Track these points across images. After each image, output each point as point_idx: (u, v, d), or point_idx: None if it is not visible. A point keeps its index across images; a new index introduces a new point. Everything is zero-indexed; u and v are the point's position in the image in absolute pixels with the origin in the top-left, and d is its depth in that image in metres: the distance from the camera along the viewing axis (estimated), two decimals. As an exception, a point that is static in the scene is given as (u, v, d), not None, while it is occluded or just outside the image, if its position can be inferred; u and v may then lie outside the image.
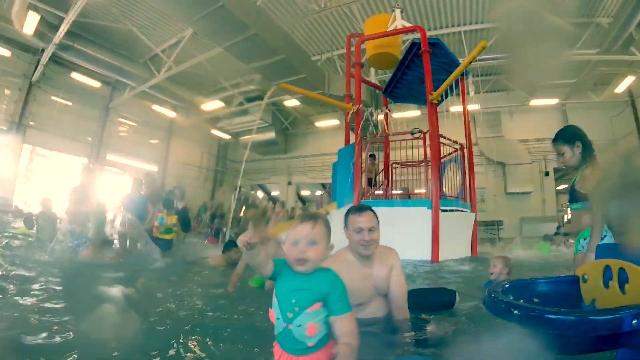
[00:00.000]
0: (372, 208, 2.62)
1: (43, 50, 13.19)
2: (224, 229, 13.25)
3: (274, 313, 1.63)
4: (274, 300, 1.65)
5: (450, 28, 12.51)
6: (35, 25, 11.26)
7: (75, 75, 15.32)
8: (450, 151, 8.35)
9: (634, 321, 1.22)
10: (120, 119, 18.19)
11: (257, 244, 1.65)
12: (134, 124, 18.93)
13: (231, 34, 9.84)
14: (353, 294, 2.32)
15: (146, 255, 6.30)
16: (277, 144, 20.93)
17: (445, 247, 6.89)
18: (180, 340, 2.26)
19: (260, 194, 22.62)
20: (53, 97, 15.42)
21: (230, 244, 5.76)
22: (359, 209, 2.60)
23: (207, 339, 2.34)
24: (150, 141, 19.74)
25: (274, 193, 22.01)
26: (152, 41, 13.39)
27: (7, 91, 14.23)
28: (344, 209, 7.68)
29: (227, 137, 21.56)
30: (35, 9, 10.81)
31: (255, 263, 1.70)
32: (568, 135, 2.94)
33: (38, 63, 13.89)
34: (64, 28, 11.49)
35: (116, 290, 3.17)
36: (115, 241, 6.87)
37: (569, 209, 3.07)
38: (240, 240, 1.64)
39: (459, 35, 12.54)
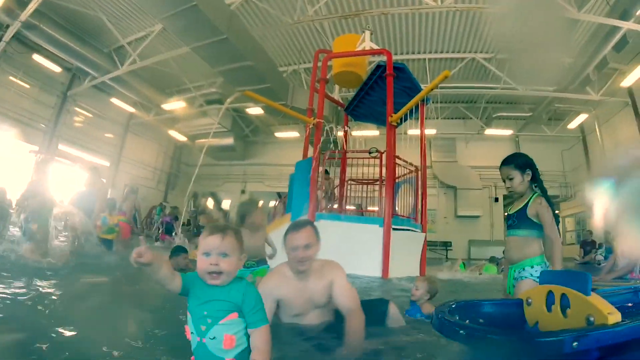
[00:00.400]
0: (313, 223, 2.69)
1: (8, 27, 12.44)
2: (175, 228, 13.00)
3: (189, 329, 1.58)
4: (188, 315, 1.59)
5: (416, 54, 12.95)
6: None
7: (36, 57, 14.50)
8: (405, 172, 8.57)
9: (575, 343, 1.30)
10: (77, 109, 17.30)
11: (153, 261, 1.52)
12: (91, 115, 18.02)
13: (201, 35, 9.77)
14: (290, 305, 2.63)
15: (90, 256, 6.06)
16: (235, 150, 20.71)
17: (395, 264, 7.01)
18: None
19: (210, 202, 22.18)
20: (11, 78, 14.48)
21: (178, 249, 5.53)
22: (296, 226, 2.61)
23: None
24: (106, 135, 18.94)
25: (226, 201, 21.61)
26: (119, 32, 13.12)
27: None
28: None
29: (184, 139, 21.08)
30: None
31: (158, 279, 1.60)
32: (521, 162, 2.97)
33: (0, 39, 13.11)
34: (32, 6, 11.04)
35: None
36: (60, 240, 6.55)
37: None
38: (132, 257, 1.50)
39: (423, 62, 13.00)
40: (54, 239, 6.36)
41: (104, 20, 12.53)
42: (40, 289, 3.36)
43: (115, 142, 19.51)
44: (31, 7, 11.13)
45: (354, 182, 10.03)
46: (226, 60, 10.87)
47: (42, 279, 3.73)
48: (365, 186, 9.87)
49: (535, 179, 2.94)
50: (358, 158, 9.66)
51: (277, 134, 20.02)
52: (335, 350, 2.28)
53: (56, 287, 3.51)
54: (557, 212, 9.90)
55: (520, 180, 2.92)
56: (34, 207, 5.53)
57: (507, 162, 3.01)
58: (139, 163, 20.53)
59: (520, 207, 2.91)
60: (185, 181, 23.09)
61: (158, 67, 14.30)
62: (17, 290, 3.14)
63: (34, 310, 2.75)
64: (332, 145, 10.79)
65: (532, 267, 2.77)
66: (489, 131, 16.73)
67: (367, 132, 15.93)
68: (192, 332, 1.56)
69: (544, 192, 2.93)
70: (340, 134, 10.88)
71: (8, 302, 2.83)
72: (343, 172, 10.19)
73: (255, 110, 16.99)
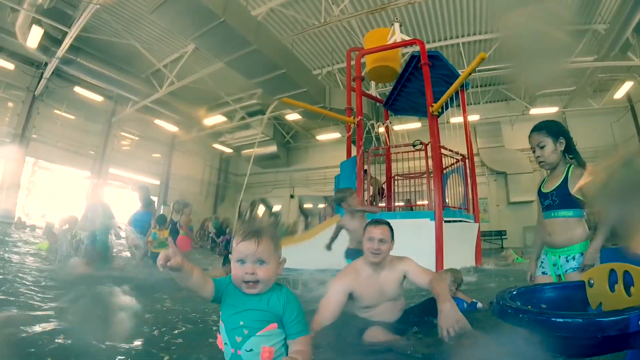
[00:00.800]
0: (390, 223, 2.84)
1: (46, 64, 13.34)
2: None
3: (221, 339, 1.48)
4: (221, 324, 1.49)
5: (448, 40, 12.64)
6: (38, 39, 11.45)
7: (78, 90, 15.59)
8: (452, 162, 8.36)
9: (640, 322, 1.24)
10: (123, 133, 18.45)
11: (181, 265, 1.41)
12: (136, 138, 19.16)
13: (232, 49, 9.94)
14: (362, 296, 2.72)
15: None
16: (279, 157, 21.01)
17: (449, 258, 6.86)
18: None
19: (261, 208, 22.60)
20: (56, 111, 15.73)
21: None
22: (376, 222, 2.85)
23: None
24: (153, 155, 19.93)
25: (276, 207, 22.00)
26: (154, 56, 13.56)
27: (10, 104, 14.52)
28: None
29: (229, 151, 21.67)
30: (39, 23, 10.95)
31: (188, 286, 1.49)
32: (554, 129, 2.66)
33: (41, 76, 14.10)
34: (67, 42, 11.66)
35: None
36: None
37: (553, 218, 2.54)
38: (159, 262, 1.41)
39: (457, 47, 12.67)
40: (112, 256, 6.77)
41: (138, 47, 13.04)
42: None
43: (162, 161, 20.47)
44: (66, 43, 11.76)
45: (401, 178, 9.90)
46: (260, 71, 11.04)
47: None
48: (412, 180, 9.73)
49: (570, 149, 2.62)
50: (402, 152, 9.52)
51: (318, 137, 20.15)
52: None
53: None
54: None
55: (552, 149, 2.60)
56: (95, 227, 5.89)
57: (538, 128, 2.70)
58: (186, 179, 21.25)
59: (558, 183, 2.58)
60: (233, 192, 23.75)
61: (195, 86, 14.71)
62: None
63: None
64: (375, 142, 10.74)
65: (581, 254, 2.45)
66: (533, 110, 15.99)
67: (408, 125, 15.75)
68: (225, 343, 1.47)
69: (581, 164, 2.56)
70: (382, 130, 10.81)
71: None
72: (388, 168, 10.05)
73: (293, 116, 17.18)
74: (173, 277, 1.47)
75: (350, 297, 2.73)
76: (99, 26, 12.21)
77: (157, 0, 8.31)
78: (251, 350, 1.42)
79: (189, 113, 17.71)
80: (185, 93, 15.95)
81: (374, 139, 10.78)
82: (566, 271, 2.49)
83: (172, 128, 19.20)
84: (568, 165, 2.59)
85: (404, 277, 2.80)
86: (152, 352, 2.23)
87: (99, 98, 16.53)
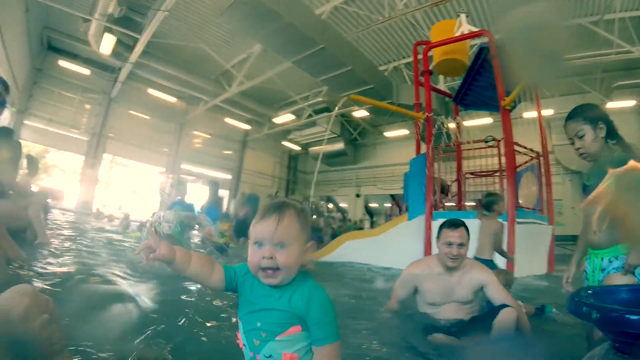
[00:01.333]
0: (466, 224, 2.76)
1: (120, 69, 14.34)
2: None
3: (241, 338, 1.29)
4: (239, 322, 1.30)
5: None
6: (111, 46, 12.25)
7: (151, 91, 16.63)
8: (526, 160, 7.90)
9: None
10: (195, 132, 19.46)
11: (168, 256, 1.25)
12: (208, 136, 20.13)
13: (298, 48, 10.05)
14: (427, 292, 2.75)
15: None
16: (346, 154, 21.02)
17: (520, 261, 6.51)
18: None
19: (330, 205, 22.79)
20: (131, 112, 17.06)
21: None
22: (453, 224, 2.72)
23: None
24: (224, 152, 20.83)
25: (342, 205, 22.08)
26: (222, 58, 13.98)
27: (87, 106, 15.98)
28: (416, 221, 7.49)
29: (298, 148, 22.07)
30: (111, 31, 11.67)
31: (190, 276, 1.30)
32: (591, 113, 2.28)
33: (116, 80, 15.25)
34: (138, 48, 12.36)
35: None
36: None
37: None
38: (143, 255, 1.27)
39: None
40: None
41: (206, 49, 13.52)
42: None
43: (234, 157, 21.27)
44: (138, 49, 12.45)
45: (472, 176, 9.56)
46: (327, 69, 11.07)
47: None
48: (484, 179, 9.37)
49: (612, 134, 2.23)
50: (474, 149, 9.19)
51: (386, 134, 19.85)
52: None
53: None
54: None
55: (592, 137, 2.25)
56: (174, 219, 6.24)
57: (573, 114, 2.34)
58: (257, 173, 21.92)
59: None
60: (303, 188, 24.13)
61: (264, 85, 15.04)
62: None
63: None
64: (445, 138, 10.48)
65: (616, 258, 2.13)
66: (610, 104, 14.72)
67: (479, 121, 15.14)
68: (244, 345, 1.28)
69: (626, 150, 2.15)
70: (452, 125, 10.51)
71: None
72: (459, 166, 9.66)
73: (360, 113, 17.14)
74: (170, 268, 1.29)
75: (417, 290, 2.81)
76: (168, 31, 12.78)
77: (223, 4, 8.60)
78: (270, 356, 1.22)
79: (259, 111, 18.28)
80: (254, 92, 16.42)
81: (445, 135, 10.54)
82: (608, 272, 2.17)
83: (243, 126, 20.06)
84: (613, 154, 2.17)
85: (481, 287, 2.72)
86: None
87: (172, 99, 17.62)
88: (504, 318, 2.35)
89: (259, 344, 1.23)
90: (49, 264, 3.60)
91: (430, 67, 9.29)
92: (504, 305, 2.48)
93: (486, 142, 8.66)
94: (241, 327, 1.28)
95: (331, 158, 21.37)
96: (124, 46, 12.77)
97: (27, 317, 1.35)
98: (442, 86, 11.64)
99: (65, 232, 7.15)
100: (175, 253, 1.27)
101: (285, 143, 21.61)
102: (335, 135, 19.97)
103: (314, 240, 1.31)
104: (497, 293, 2.66)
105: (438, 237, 2.76)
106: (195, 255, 1.32)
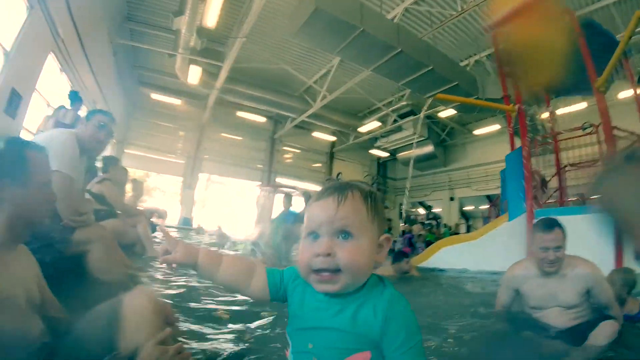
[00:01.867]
0: (560, 223, 2.50)
1: (208, 95, 15.32)
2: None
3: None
4: (287, 338, 1.00)
5: (596, 3, 10.57)
6: (198, 77, 13.18)
7: (240, 114, 17.75)
8: (628, 144, 6.97)
9: None
10: (285, 147, 20.33)
11: (185, 260, 1.03)
12: (298, 151, 20.84)
13: (376, 55, 10.07)
14: (528, 297, 2.55)
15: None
16: (436, 157, 20.25)
17: (630, 261, 5.67)
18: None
19: (421, 211, 22.10)
20: (223, 134, 18.35)
21: (400, 255, 5.75)
22: (547, 225, 2.46)
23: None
24: (313, 165, 21.45)
25: (436, 210, 21.22)
26: (303, 75, 14.40)
27: (181, 132, 17.61)
28: (517, 221, 6.96)
29: (385, 155, 21.75)
30: (196, 62, 12.49)
31: (221, 283, 1.05)
32: None
33: (206, 106, 16.31)
34: (223, 75, 13.07)
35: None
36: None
37: None
38: (160, 257, 1.06)
39: (607, 9, 10.51)
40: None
41: (287, 69, 13.98)
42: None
43: (323, 170, 21.71)
44: (223, 76, 13.17)
45: (572, 168, 8.69)
46: (407, 72, 10.93)
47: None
48: (584, 170, 8.47)
49: None
50: (571, 138, 8.36)
51: (476, 132, 18.74)
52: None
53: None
54: None
55: None
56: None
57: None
58: (347, 184, 22.01)
59: None
60: (392, 195, 23.78)
61: (347, 96, 15.12)
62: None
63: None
64: (540, 129, 9.71)
65: None
66: None
67: (573, 107, 13.72)
68: None
69: None
70: (545, 115, 9.70)
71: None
72: (557, 158, 8.88)
73: (447, 113, 16.46)
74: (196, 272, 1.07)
75: (519, 293, 2.64)
76: (249, 56, 13.39)
77: (296, 24, 8.82)
78: None
79: (344, 122, 18.46)
80: (338, 104, 16.61)
81: (540, 127, 9.81)
82: None
83: (329, 138, 20.41)
84: None
85: (587, 290, 2.43)
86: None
87: (260, 119, 18.58)
88: (600, 333, 2.21)
89: None
90: (158, 273, 4.01)
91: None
92: (605, 317, 2.34)
93: (583, 129, 7.96)
94: (290, 346, 0.98)
95: (421, 162, 20.73)
96: (209, 75, 13.68)
97: (150, 318, 1.34)
98: (528, 74, 10.71)
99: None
100: (197, 256, 1.04)
101: (373, 151, 21.40)
102: (423, 138, 19.34)
103: (389, 234, 0.98)
104: (600, 296, 2.42)
105: (532, 241, 2.54)
106: (229, 258, 1.07)
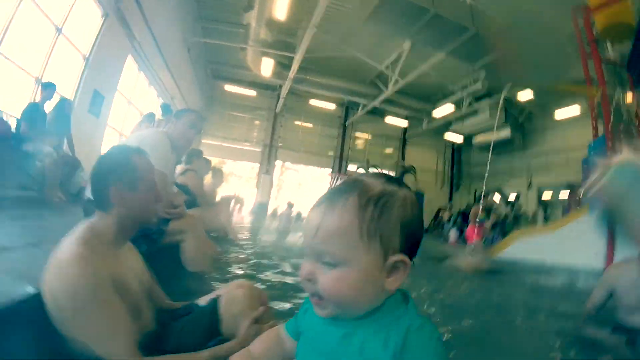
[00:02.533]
0: None
1: (281, 86, 16.06)
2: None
3: None
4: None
5: None
6: (271, 68, 13.90)
7: (312, 102, 18.27)
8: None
9: None
10: (356, 134, 20.68)
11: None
12: (369, 137, 21.04)
13: (449, 38, 9.99)
14: (623, 297, 2.30)
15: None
16: (513, 142, 19.27)
17: None
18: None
19: (497, 197, 21.26)
20: (296, 122, 19.32)
21: None
22: None
23: None
24: (385, 151, 21.50)
25: (512, 197, 20.33)
26: (375, 60, 14.38)
27: (256, 122, 18.82)
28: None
29: (460, 140, 21.15)
30: (267, 54, 13.13)
31: None
32: None
33: (279, 97, 17.16)
34: (295, 66, 13.54)
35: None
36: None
37: None
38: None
39: None
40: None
41: (358, 56, 14.04)
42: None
43: (395, 155, 21.76)
44: (295, 67, 13.64)
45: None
46: (481, 53, 10.60)
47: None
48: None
49: None
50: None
51: (557, 116, 17.55)
52: None
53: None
54: None
55: None
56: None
57: None
58: (420, 169, 21.66)
59: None
60: (467, 181, 23.13)
61: (419, 81, 14.91)
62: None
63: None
64: (625, 115, 9.09)
65: None
66: None
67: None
68: None
69: None
70: (629, 100, 9.07)
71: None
72: None
73: (526, 95, 15.64)
74: None
75: (613, 296, 2.40)
76: (320, 46, 13.59)
77: (366, 11, 8.86)
78: None
79: (417, 107, 18.42)
80: (410, 89, 16.36)
81: (625, 112, 9.21)
82: None
83: (401, 123, 20.19)
84: None
85: None
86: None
87: (331, 106, 19.08)
88: None
89: None
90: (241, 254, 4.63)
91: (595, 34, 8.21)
92: None
93: None
94: None
95: (497, 147, 19.81)
96: (281, 66, 14.26)
97: (248, 307, 1.55)
98: (611, 53, 10.01)
99: (247, 231, 8.56)
100: None
101: (447, 136, 20.89)
102: (500, 122, 18.55)
103: (405, 255, 0.76)
104: None
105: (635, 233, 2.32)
106: (256, 344, 1.04)
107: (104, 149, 8.36)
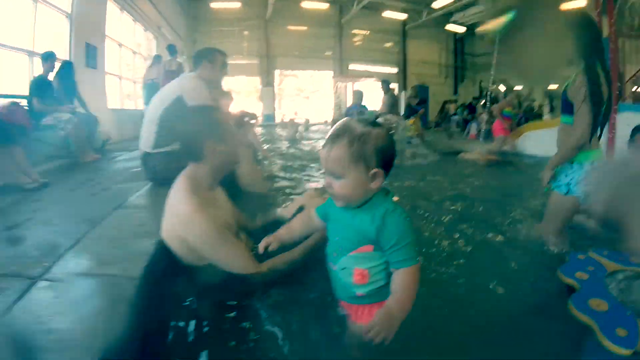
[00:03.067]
0: None
1: None
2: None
3: None
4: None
5: None
6: None
7: (304, 4, 17.43)
8: None
9: None
10: (354, 31, 19.76)
11: (280, 244, 1.53)
12: (367, 33, 20.14)
13: None
14: None
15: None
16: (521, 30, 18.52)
17: None
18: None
19: (502, 88, 20.94)
20: (289, 27, 18.39)
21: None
22: None
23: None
24: (385, 45, 20.72)
25: (517, 88, 20.02)
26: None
27: (245, 32, 17.86)
28: None
29: (462, 30, 20.36)
30: None
31: (301, 238, 1.61)
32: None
33: (267, 3, 16.28)
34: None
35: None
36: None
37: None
38: (260, 249, 1.53)
39: None
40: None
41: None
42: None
43: (397, 50, 21.04)
44: None
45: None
46: None
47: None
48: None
49: (586, 51, 2.26)
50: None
51: (563, 5, 16.56)
52: None
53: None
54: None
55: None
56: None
57: None
58: (423, 63, 21.30)
59: (565, 84, 2.35)
60: (472, 73, 22.67)
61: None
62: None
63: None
64: (628, 15, 8.77)
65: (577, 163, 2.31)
66: None
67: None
68: (327, 254, 1.41)
69: (593, 67, 2.21)
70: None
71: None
72: None
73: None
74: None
75: None
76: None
77: None
78: (344, 269, 1.32)
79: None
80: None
81: (627, 10, 8.89)
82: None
83: (400, 16, 19.35)
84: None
85: None
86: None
87: (324, 5, 18.08)
88: None
89: (335, 255, 1.34)
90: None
91: None
92: None
93: None
94: (328, 237, 1.41)
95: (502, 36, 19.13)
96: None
97: None
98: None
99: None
100: (282, 237, 1.53)
101: (449, 26, 20.06)
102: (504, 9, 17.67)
103: (381, 168, 1.23)
104: None
105: (632, 139, 2.76)
106: (294, 223, 1.57)
107: (110, 98, 8.63)
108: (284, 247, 1.61)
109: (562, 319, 1.56)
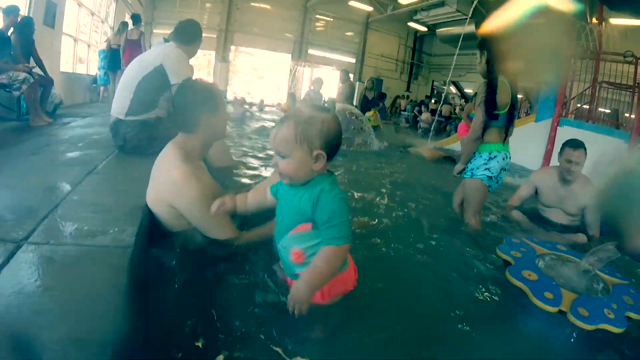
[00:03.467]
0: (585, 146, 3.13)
1: None
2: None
3: None
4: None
5: None
6: None
7: None
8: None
9: None
10: (318, 16, 19.40)
11: (233, 208, 1.57)
12: (331, 19, 19.84)
13: None
14: (542, 195, 3.37)
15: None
16: (477, 38, 18.99)
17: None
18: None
19: (453, 89, 21.55)
20: (253, 4, 17.67)
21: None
22: (575, 144, 3.10)
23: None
24: (346, 34, 20.52)
25: (467, 91, 20.68)
26: None
27: (207, 4, 17.04)
28: (543, 125, 7.64)
29: (424, 29, 20.60)
30: None
31: (253, 211, 1.64)
32: (481, 41, 2.88)
33: None
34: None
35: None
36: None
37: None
38: (213, 209, 1.55)
39: None
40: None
41: None
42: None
43: (357, 40, 20.85)
44: None
45: (608, 86, 8.57)
46: None
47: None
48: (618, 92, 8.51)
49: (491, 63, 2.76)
50: (611, 61, 8.20)
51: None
52: None
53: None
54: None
55: (478, 61, 2.86)
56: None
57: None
58: (381, 57, 21.40)
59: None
60: (427, 71, 23.19)
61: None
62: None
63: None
64: (586, 39, 9.12)
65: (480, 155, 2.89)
66: None
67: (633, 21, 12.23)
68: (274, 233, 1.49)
69: (492, 78, 2.74)
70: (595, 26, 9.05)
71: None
72: (596, 72, 8.66)
73: (495, -6, 15.09)
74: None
75: (537, 192, 3.41)
76: None
77: None
78: (285, 247, 1.41)
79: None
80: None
81: (584, 35, 9.23)
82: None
83: (366, 7, 19.17)
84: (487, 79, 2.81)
85: (585, 207, 3.15)
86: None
87: None
88: (579, 236, 3.02)
89: (279, 234, 1.42)
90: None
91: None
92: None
93: (625, 57, 7.70)
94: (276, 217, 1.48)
95: (463, 41, 19.59)
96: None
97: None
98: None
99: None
100: (236, 203, 1.58)
101: (412, 24, 20.20)
102: (465, 17, 18.06)
103: (322, 151, 1.30)
104: (588, 216, 3.15)
105: (560, 153, 3.18)
106: (250, 194, 1.63)
107: (64, 59, 7.94)
108: (260, 219, 1.85)
109: (501, 284, 1.95)
